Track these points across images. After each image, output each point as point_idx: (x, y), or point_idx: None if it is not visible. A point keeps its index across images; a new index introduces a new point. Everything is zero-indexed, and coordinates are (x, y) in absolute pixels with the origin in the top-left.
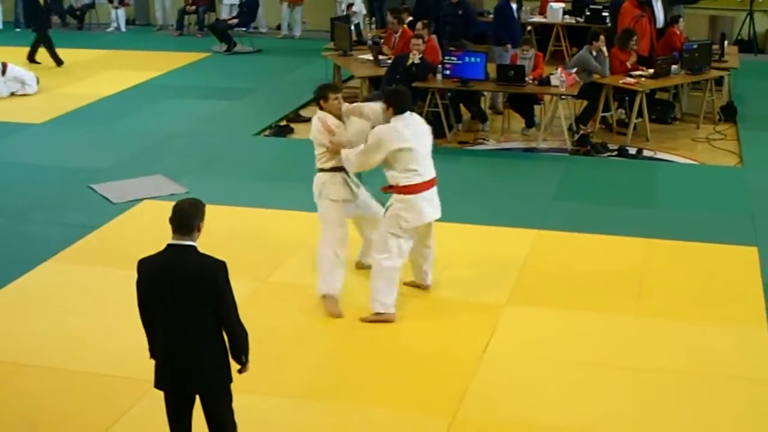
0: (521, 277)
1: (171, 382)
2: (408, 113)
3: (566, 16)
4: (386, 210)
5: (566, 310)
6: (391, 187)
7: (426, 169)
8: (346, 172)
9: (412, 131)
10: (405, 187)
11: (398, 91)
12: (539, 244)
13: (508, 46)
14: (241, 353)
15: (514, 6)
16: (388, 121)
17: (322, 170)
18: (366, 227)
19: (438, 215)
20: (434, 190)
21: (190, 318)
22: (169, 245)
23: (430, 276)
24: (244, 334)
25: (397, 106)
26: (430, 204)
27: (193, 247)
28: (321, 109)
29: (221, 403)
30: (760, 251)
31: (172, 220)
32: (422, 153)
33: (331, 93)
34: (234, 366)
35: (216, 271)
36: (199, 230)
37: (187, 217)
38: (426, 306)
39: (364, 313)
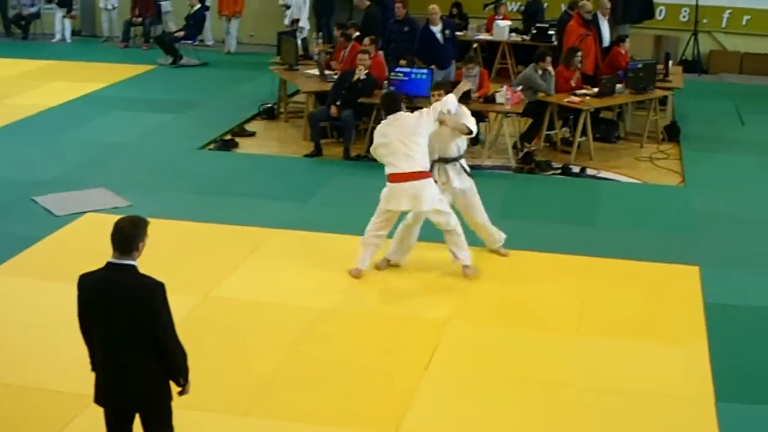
0: (465, 294)
1: (109, 399)
2: (397, 114)
3: (512, 34)
4: None
5: (509, 327)
6: None
7: (405, 162)
8: (443, 161)
9: (394, 128)
10: (389, 175)
11: (385, 96)
12: (483, 261)
13: (434, 67)
14: (179, 375)
15: (436, 29)
16: None
17: None
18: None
19: (421, 208)
20: (421, 183)
21: (127, 337)
22: (108, 263)
23: (464, 260)
24: (181, 356)
25: (385, 109)
26: (410, 195)
27: (132, 267)
28: None
29: (160, 422)
30: (702, 270)
31: (112, 239)
32: (400, 149)
33: (433, 90)
34: (175, 387)
35: (152, 292)
36: (138, 250)
37: (126, 237)
38: (369, 321)
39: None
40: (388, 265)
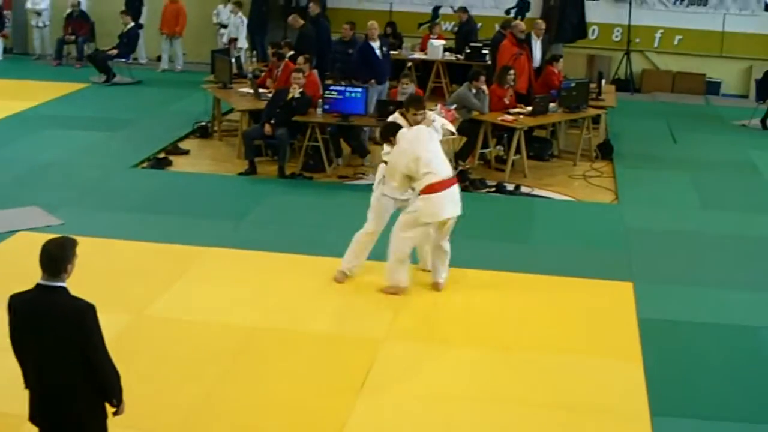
0: (400, 312)
1: (43, 419)
2: (404, 130)
3: (447, 53)
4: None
5: (444, 345)
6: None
7: (444, 167)
8: None
9: (413, 142)
10: (429, 186)
11: (387, 124)
12: (418, 278)
13: (373, 81)
14: (112, 396)
15: (375, 45)
16: None
17: None
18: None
19: (457, 212)
20: (457, 188)
21: (59, 359)
22: (38, 284)
23: (442, 276)
24: (114, 377)
25: (392, 134)
26: (453, 201)
27: (62, 288)
28: (403, 116)
29: None
30: (635, 286)
31: (40, 262)
32: (434, 156)
33: (413, 107)
34: (110, 407)
35: (82, 315)
36: (67, 271)
37: (54, 260)
38: (303, 340)
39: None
40: (345, 277)
